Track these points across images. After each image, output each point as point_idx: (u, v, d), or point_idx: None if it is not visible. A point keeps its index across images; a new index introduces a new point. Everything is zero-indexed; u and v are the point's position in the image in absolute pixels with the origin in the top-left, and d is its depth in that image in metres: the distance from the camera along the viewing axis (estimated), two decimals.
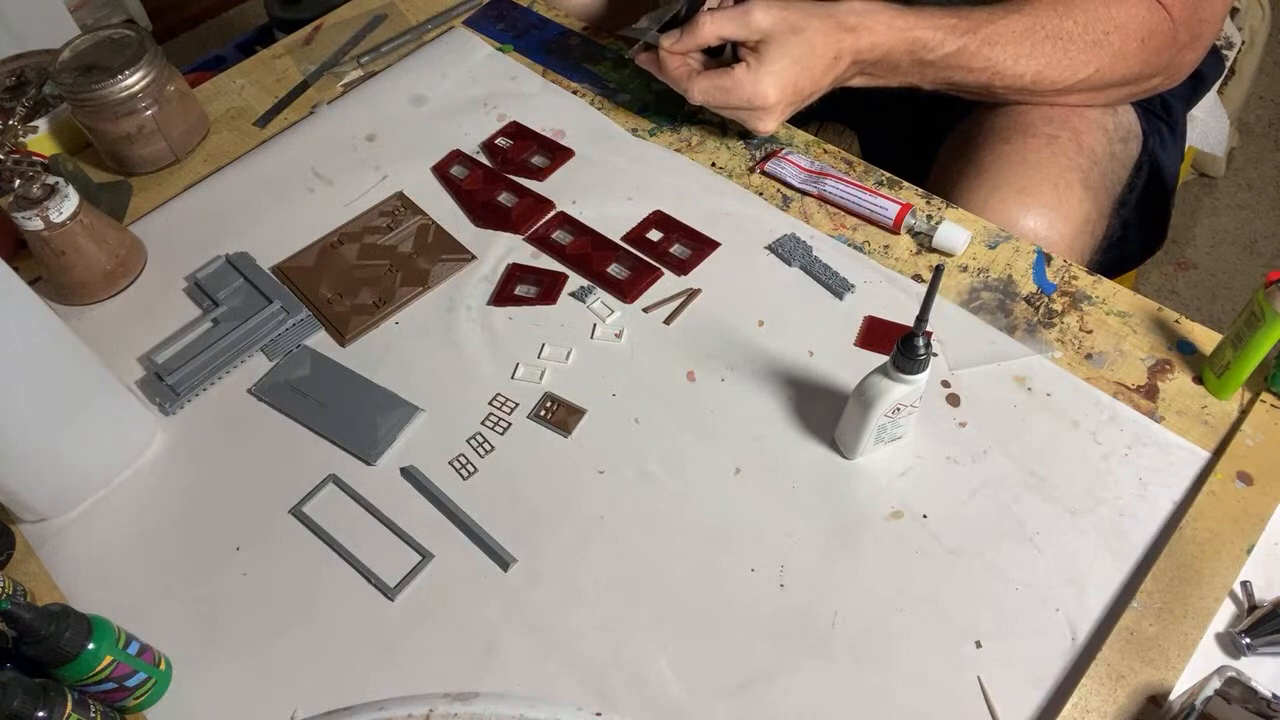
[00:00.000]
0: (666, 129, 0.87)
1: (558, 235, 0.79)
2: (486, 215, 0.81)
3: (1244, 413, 0.64)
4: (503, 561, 0.61)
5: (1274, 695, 0.48)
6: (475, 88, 0.93)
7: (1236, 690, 0.48)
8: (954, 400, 0.66)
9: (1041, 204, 0.76)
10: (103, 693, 0.53)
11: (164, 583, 0.62)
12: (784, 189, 0.81)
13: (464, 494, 0.64)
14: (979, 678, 0.55)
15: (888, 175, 0.80)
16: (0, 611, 0.49)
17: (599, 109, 0.89)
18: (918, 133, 0.96)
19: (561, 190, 0.83)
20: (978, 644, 0.56)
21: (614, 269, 0.76)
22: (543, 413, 0.68)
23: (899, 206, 0.75)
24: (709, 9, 0.76)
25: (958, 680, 0.55)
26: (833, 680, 0.55)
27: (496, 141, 0.87)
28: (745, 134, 0.85)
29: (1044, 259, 0.73)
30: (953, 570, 0.59)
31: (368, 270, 0.78)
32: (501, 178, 0.84)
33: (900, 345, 0.54)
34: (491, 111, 0.90)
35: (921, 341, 0.54)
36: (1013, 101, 0.81)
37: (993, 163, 0.79)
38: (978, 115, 0.86)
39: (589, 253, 0.77)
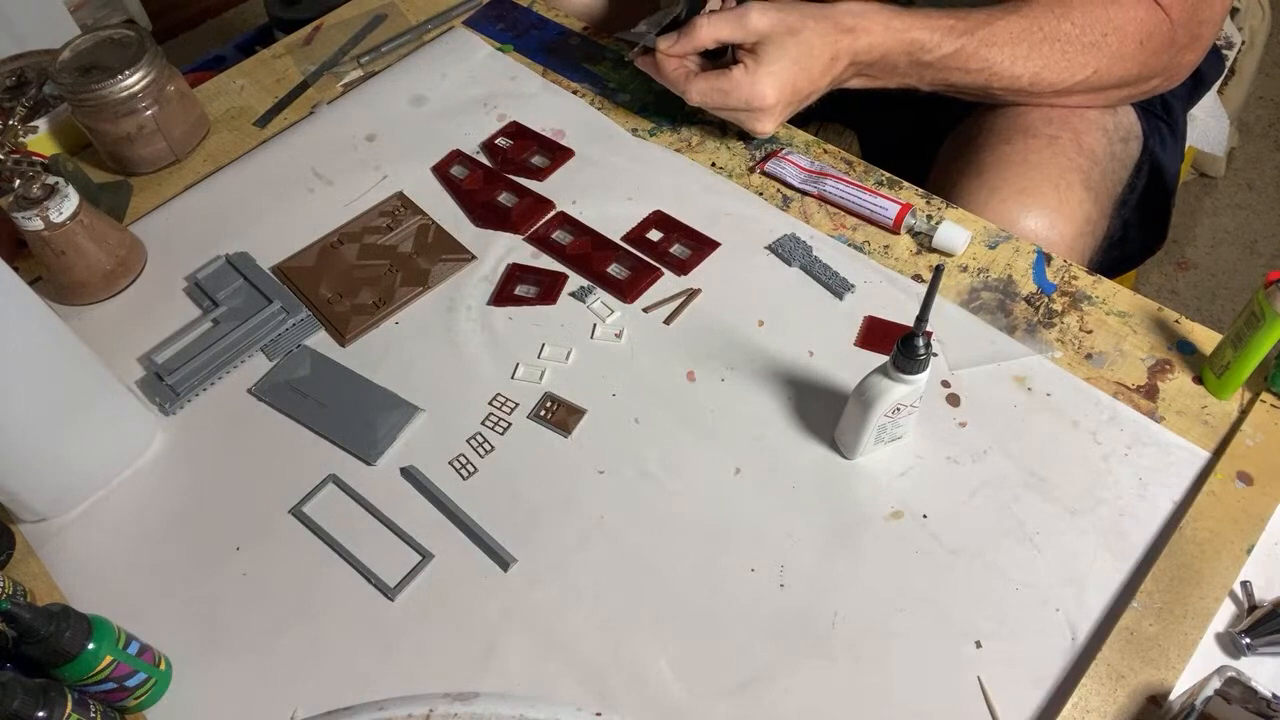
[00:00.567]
0: (666, 129, 0.87)
1: (558, 235, 0.79)
2: (486, 215, 0.81)
3: (1244, 413, 0.64)
4: (503, 561, 0.61)
5: (1274, 695, 0.48)
6: (475, 88, 0.93)
7: (1236, 690, 0.48)
8: (954, 400, 0.66)
9: (1042, 204, 0.76)
10: (103, 693, 0.53)
11: (164, 583, 0.62)
12: (784, 189, 0.81)
13: (464, 494, 0.64)
14: (979, 678, 0.55)
15: (888, 175, 0.80)
16: (0, 611, 0.49)
17: (599, 109, 0.89)
18: (918, 133, 0.96)
19: (561, 190, 0.83)
20: (978, 644, 0.56)
21: (614, 269, 0.76)
22: (543, 413, 0.68)
23: (899, 206, 0.75)
24: (707, 12, 0.76)
25: (958, 680, 0.55)
26: (833, 680, 0.55)
27: (496, 141, 0.87)
28: (745, 134, 0.85)
29: (1044, 259, 0.73)
30: (953, 570, 0.59)
31: (368, 270, 0.78)
32: (501, 178, 0.84)
33: (900, 345, 0.54)
34: (491, 111, 0.90)
35: (921, 341, 0.54)
36: (1011, 103, 0.81)
37: (993, 163, 0.79)
38: (978, 116, 0.86)
39: (589, 253, 0.77)
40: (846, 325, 0.71)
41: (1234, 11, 1.26)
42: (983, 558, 0.59)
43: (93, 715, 0.52)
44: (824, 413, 0.66)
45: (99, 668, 0.52)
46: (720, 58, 0.80)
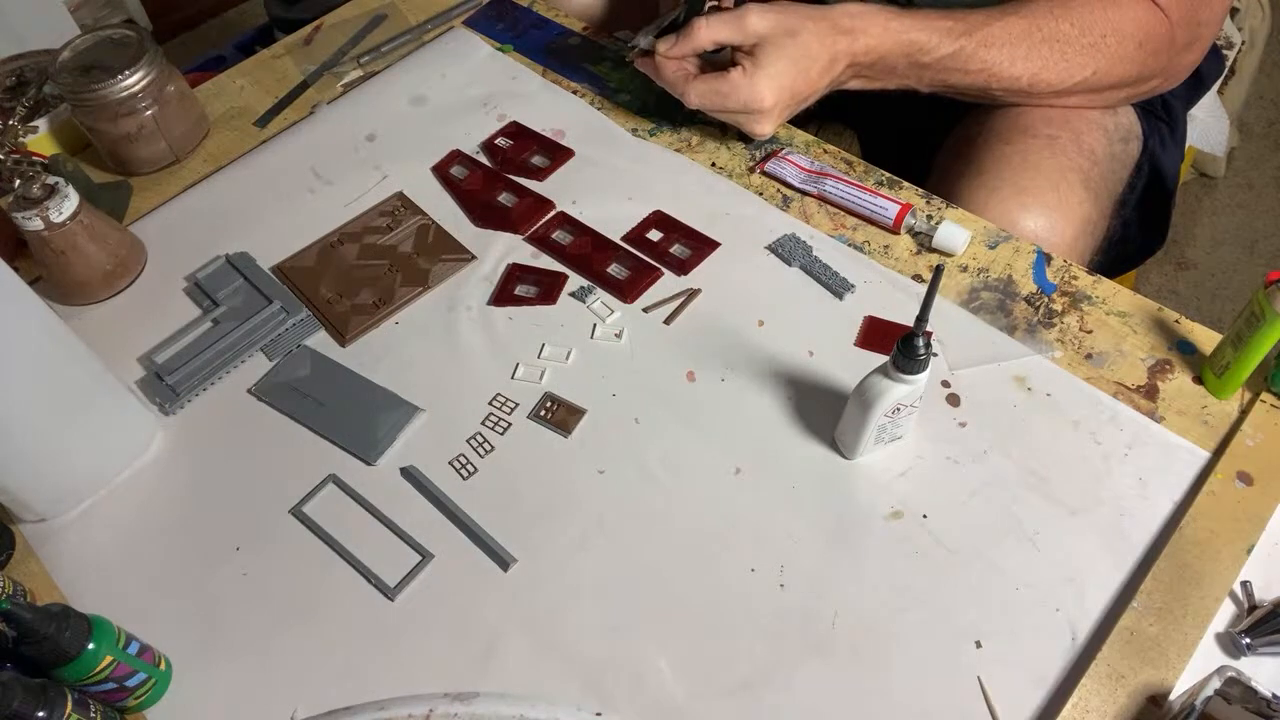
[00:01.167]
0: (666, 129, 0.87)
1: (558, 235, 0.79)
2: (486, 215, 0.81)
3: (1244, 413, 0.64)
4: (503, 561, 0.61)
5: (1274, 695, 0.48)
6: (475, 88, 0.93)
7: (1236, 690, 0.48)
8: (954, 400, 0.66)
9: (1042, 205, 0.76)
10: (103, 693, 0.53)
11: (164, 583, 0.62)
12: (784, 189, 0.81)
13: (464, 494, 0.64)
14: (979, 678, 0.55)
15: (888, 175, 0.80)
16: (0, 611, 0.49)
17: (599, 109, 0.89)
18: (918, 133, 0.96)
19: (561, 190, 0.83)
20: (978, 644, 0.56)
21: (614, 269, 0.76)
22: (543, 413, 0.68)
23: (899, 206, 0.75)
24: (706, 13, 0.76)
25: (958, 680, 0.55)
26: (833, 680, 0.55)
27: (496, 141, 0.87)
28: (745, 135, 0.85)
29: (1044, 259, 0.73)
30: (953, 570, 0.59)
31: (368, 270, 0.78)
32: (501, 178, 0.84)
33: (900, 345, 0.54)
34: (491, 111, 0.90)
35: (921, 341, 0.54)
36: (1010, 103, 0.81)
37: (993, 163, 0.79)
38: (978, 116, 0.86)
39: (589, 253, 0.77)
40: (846, 325, 0.71)
41: (1234, 11, 1.26)
42: (983, 558, 0.59)
43: (93, 715, 0.52)
44: (824, 413, 0.66)
45: (99, 668, 0.52)
46: (719, 60, 0.80)
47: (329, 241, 0.80)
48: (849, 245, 0.76)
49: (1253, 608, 0.55)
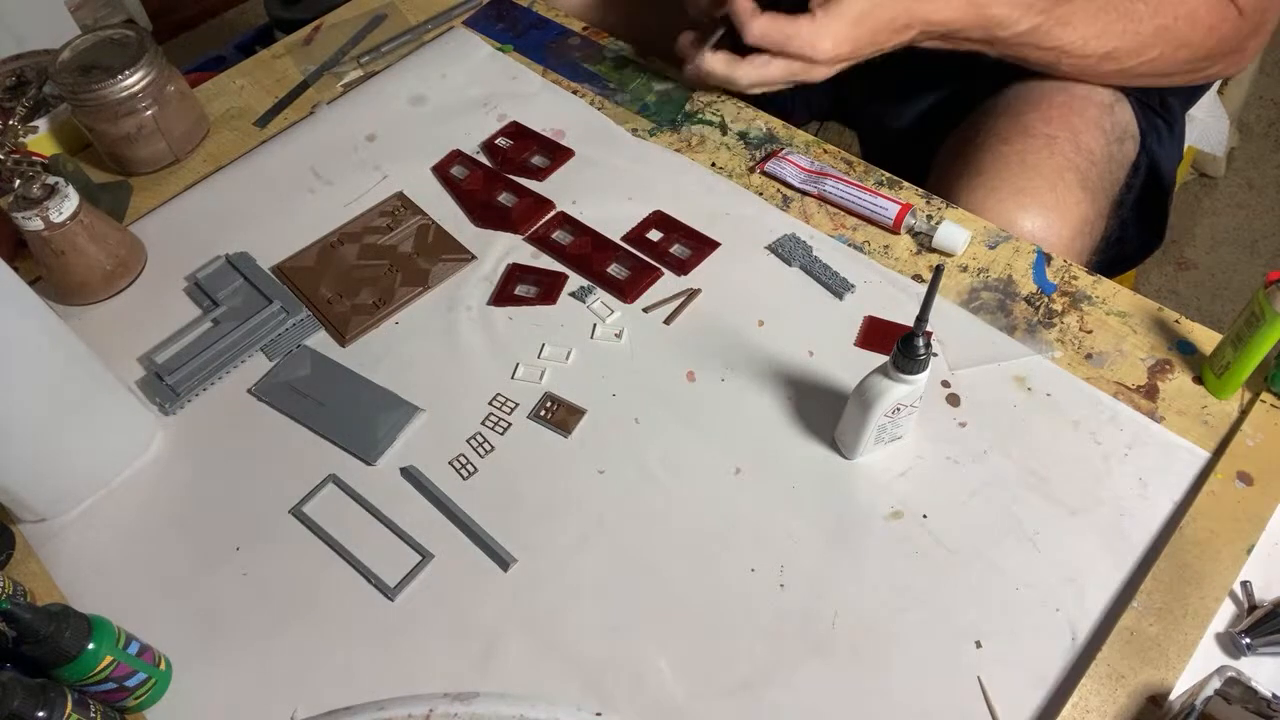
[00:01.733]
0: (666, 129, 0.87)
1: (558, 235, 0.79)
2: (486, 215, 0.81)
3: (1244, 413, 0.64)
4: (503, 561, 0.61)
5: (1274, 695, 0.48)
6: (475, 88, 0.93)
7: (1236, 690, 0.48)
8: (954, 400, 0.66)
9: (1040, 205, 0.76)
10: (103, 693, 0.53)
11: (164, 582, 0.62)
12: (784, 189, 0.81)
13: (464, 494, 0.64)
14: (979, 678, 0.55)
15: (888, 175, 0.80)
16: (0, 611, 0.49)
17: (599, 109, 0.89)
18: (918, 133, 0.96)
19: (561, 190, 0.83)
20: (978, 644, 0.56)
21: (614, 269, 0.76)
22: (543, 413, 0.68)
23: (899, 206, 0.75)
24: None
25: (958, 680, 0.55)
26: (833, 680, 0.55)
27: (496, 141, 0.87)
28: (745, 134, 0.85)
29: (1044, 259, 0.73)
30: (953, 570, 0.59)
31: (368, 270, 0.78)
32: (501, 178, 0.84)
33: (900, 345, 0.54)
34: (491, 111, 0.90)
35: (921, 341, 0.54)
36: (1069, 76, 0.81)
37: (992, 163, 0.79)
38: (977, 116, 0.86)
39: (589, 253, 0.77)
40: (846, 325, 0.71)
41: None
42: (983, 558, 0.59)
43: (93, 715, 0.52)
44: (824, 413, 0.66)
45: (99, 668, 0.52)
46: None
47: (329, 241, 0.80)
48: (849, 245, 0.76)
49: (1253, 608, 0.55)
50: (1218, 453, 0.62)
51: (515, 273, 0.77)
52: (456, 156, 0.86)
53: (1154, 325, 0.69)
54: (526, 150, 0.86)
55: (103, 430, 0.66)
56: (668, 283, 0.75)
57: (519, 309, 0.75)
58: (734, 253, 0.76)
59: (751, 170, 0.82)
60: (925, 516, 0.61)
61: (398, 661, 0.58)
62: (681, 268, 0.76)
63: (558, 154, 0.85)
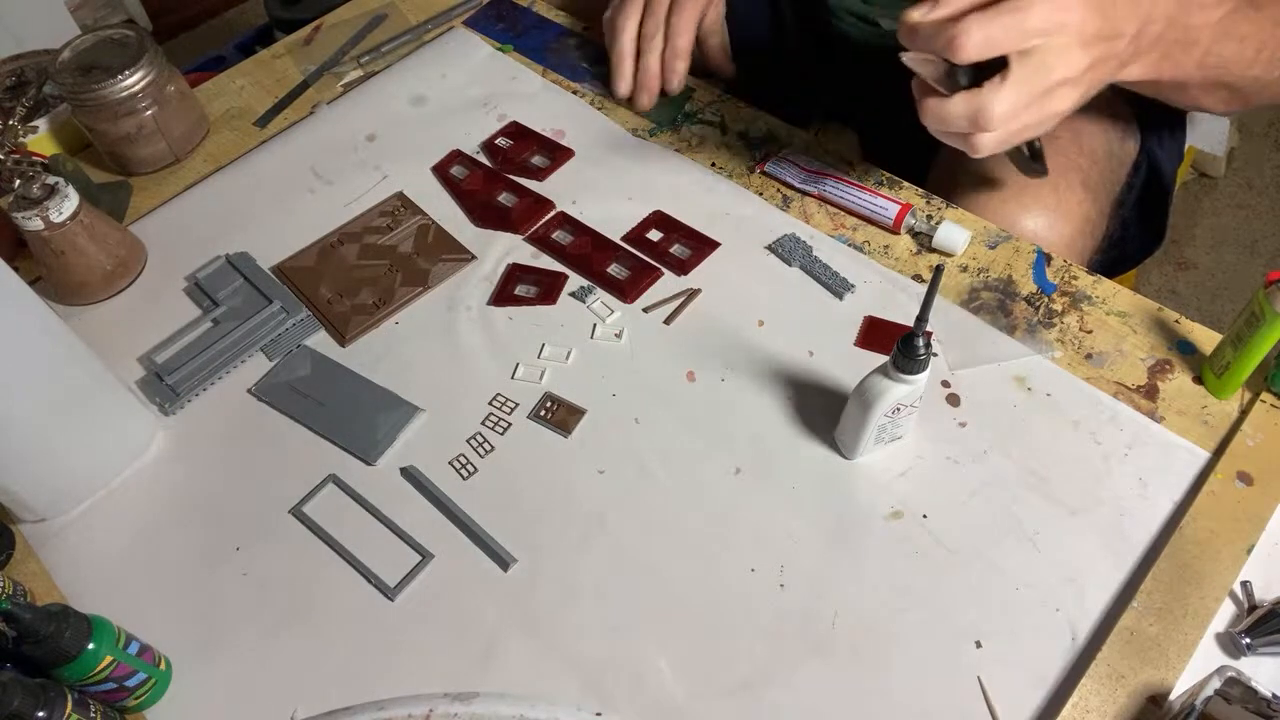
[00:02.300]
0: (666, 129, 0.87)
1: (558, 235, 0.79)
2: (486, 215, 0.81)
3: (1244, 413, 0.64)
4: (503, 561, 0.61)
5: (1274, 695, 0.48)
6: (475, 88, 0.93)
7: (1236, 690, 0.48)
8: (954, 400, 0.66)
9: (1041, 205, 0.76)
10: (103, 693, 0.53)
11: (164, 583, 0.62)
12: (784, 189, 0.81)
13: (464, 494, 0.64)
14: (979, 678, 0.55)
15: (888, 175, 0.80)
16: (0, 611, 0.49)
17: (599, 109, 0.89)
18: (918, 133, 0.96)
19: (561, 190, 0.83)
20: (978, 644, 0.56)
21: (614, 269, 0.76)
22: (543, 413, 0.68)
23: (899, 206, 0.75)
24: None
25: (958, 680, 0.55)
26: (833, 680, 0.55)
27: (496, 141, 0.87)
28: (745, 134, 0.85)
29: (1044, 259, 0.73)
30: (953, 570, 0.59)
31: (368, 270, 0.78)
32: (501, 178, 0.84)
33: (900, 345, 0.54)
34: (491, 111, 0.90)
35: (921, 341, 0.54)
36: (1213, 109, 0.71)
37: (992, 163, 0.79)
38: None
39: (589, 253, 0.77)
40: (846, 325, 0.71)
41: None
42: (983, 558, 0.59)
43: (93, 715, 0.52)
44: (824, 413, 0.66)
45: (99, 668, 0.52)
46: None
47: (329, 241, 0.80)
48: (849, 245, 0.76)
49: (1253, 608, 0.55)
50: (1218, 453, 0.62)
51: (515, 273, 0.77)
52: (456, 156, 0.86)
53: (1154, 325, 0.69)
54: (526, 150, 0.86)
55: (103, 430, 0.66)
56: (668, 283, 0.75)
57: (519, 309, 0.75)
58: (734, 253, 0.76)
59: (751, 170, 0.82)
60: (925, 516, 0.61)
61: (398, 661, 0.58)
62: (681, 268, 0.76)
63: (558, 154, 0.85)
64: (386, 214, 0.82)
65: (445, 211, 0.82)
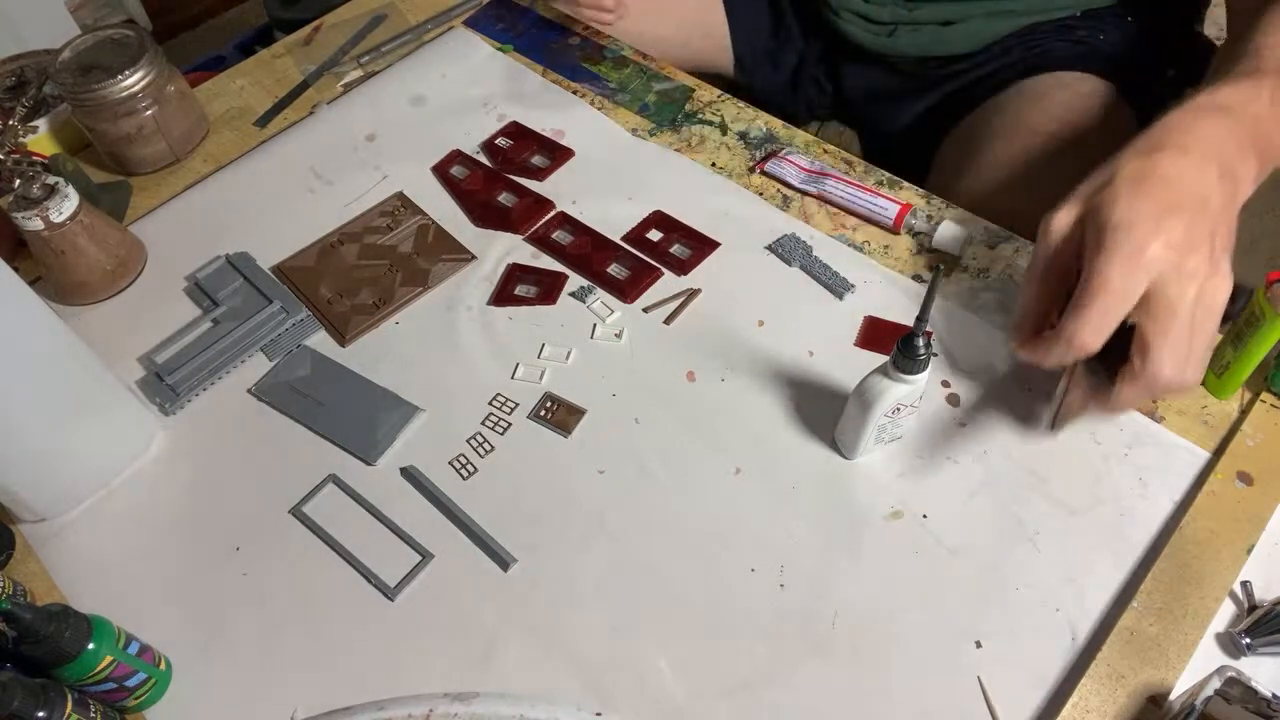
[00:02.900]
0: (666, 129, 0.87)
1: (558, 235, 0.79)
2: (486, 215, 0.81)
3: (1244, 413, 0.64)
4: (503, 561, 0.61)
5: (1274, 695, 0.48)
6: (475, 88, 0.93)
7: (1236, 690, 0.48)
8: (954, 400, 0.66)
9: (1043, 204, 0.76)
10: (103, 693, 0.53)
11: (164, 582, 0.62)
12: (784, 189, 0.81)
13: (464, 494, 0.64)
14: (979, 678, 0.55)
15: (888, 175, 0.80)
16: (0, 611, 0.49)
17: (599, 109, 0.89)
18: (918, 133, 0.96)
19: (561, 190, 0.83)
20: (978, 644, 0.56)
21: (614, 269, 0.76)
22: (543, 413, 0.68)
23: (899, 206, 0.75)
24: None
25: (958, 680, 0.55)
26: (833, 680, 0.55)
27: (496, 141, 0.87)
28: (745, 134, 0.85)
29: None
30: (953, 570, 0.59)
31: (368, 270, 0.78)
32: (501, 178, 0.84)
33: (900, 345, 0.54)
34: (491, 111, 0.90)
35: (921, 341, 0.54)
36: None
37: (992, 162, 0.79)
38: (977, 115, 0.86)
39: (589, 253, 0.77)
40: (846, 325, 0.71)
41: None
42: (983, 558, 0.59)
43: (93, 715, 0.52)
44: (824, 413, 0.66)
45: (99, 668, 0.52)
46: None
47: (329, 241, 0.80)
48: (849, 245, 0.76)
49: (1253, 608, 0.55)
50: (1218, 453, 0.62)
51: (515, 273, 0.77)
52: (456, 156, 0.86)
53: None
54: (526, 150, 0.86)
55: (103, 430, 0.66)
56: (668, 283, 0.75)
57: (519, 309, 0.75)
58: (734, 253, 0.76)
59: (751, 170, 0.82)
60: (925, 516, 0.61)
61: (398, 661, 0.58)
62: (681, 268, 0.76)
63: (558, 154, 0.85)
64: (386, 214, 0.82)
65: (445, 211, 0.82)
